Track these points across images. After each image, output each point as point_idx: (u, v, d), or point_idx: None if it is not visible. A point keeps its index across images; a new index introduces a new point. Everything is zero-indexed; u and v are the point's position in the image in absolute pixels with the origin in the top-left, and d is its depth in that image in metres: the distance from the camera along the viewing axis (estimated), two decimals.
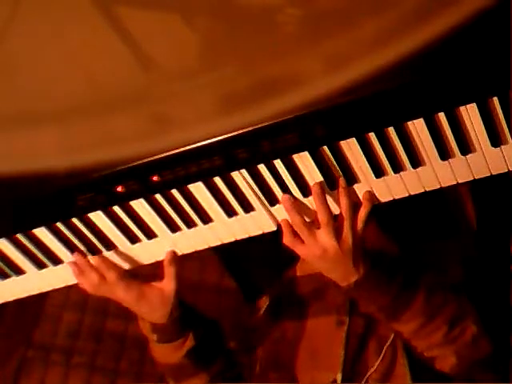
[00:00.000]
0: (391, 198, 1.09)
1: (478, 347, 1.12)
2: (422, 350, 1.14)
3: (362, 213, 1.08)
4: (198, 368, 1.26)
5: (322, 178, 1.07)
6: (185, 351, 1.23)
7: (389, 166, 1.05)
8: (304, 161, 1.06)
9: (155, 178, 1.07)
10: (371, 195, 1.08)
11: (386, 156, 1.04)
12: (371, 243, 1.20)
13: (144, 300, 1.19)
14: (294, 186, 1.08)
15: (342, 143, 1.04)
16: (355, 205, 1.08)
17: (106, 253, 1.19)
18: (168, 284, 1.19)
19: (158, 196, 1.11)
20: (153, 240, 1.17)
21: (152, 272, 1.22)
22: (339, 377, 1.19)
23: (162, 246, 1.18)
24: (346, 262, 1.07)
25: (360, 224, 1.08)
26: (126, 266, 1.21)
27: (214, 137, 1.02)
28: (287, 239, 1.09)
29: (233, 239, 1.16)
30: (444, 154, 1.03)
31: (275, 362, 1.28)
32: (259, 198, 1.10)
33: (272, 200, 1.10)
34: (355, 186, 1.08)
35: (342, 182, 1.07)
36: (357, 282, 1.08)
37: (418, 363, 1.16)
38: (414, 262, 1.17)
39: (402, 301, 1.10)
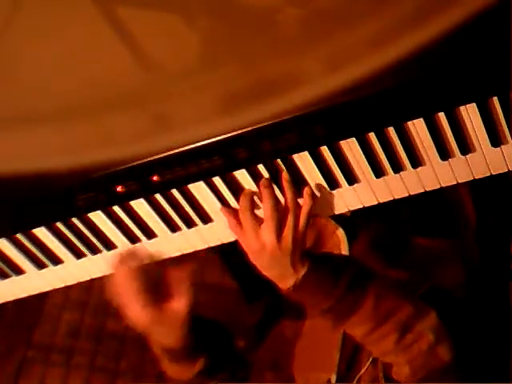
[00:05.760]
0: (391, 198, 1.09)
1: (435, 356, 1.06)
2: (376, 355, 1.11)
3: (305, 209, 1.06)
4: (209, 380, 1.23)
5: (322, 178, 1.07)
6: (195, 372, 1.20)
7: (389, 166, 1.05)
8: (304, 161, 1.06)
9: (155, 178, 1.07)
10: (312, 191, 1.06)
11: (386, 156, 1.04)
12: (359, 258, 1.19)
13: (158, 322, 1.13)
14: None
15: (342, 143, 1.04)
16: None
17: (105, 253, 1.19)
18: (180, 303, 1.13)
19: (158, 196, 1.11)
20: (153, 240, 1.17)
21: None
22: (333, 377, 1.18)
23: (162, 245, 1.18)
24: (283, 261, 1.04)
25: (302, 221, 1.05)
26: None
27: (214, 137, 1.02)
28: (232, 223, 1.07)
29: (233, 239, 1.16)
30: (444, 154, 1.03)
31: (273, 362, 1.28)
32: None
33: None
34: (355, 186, 1.08)
35: (285, 175, 1.05)
36: (295, 284, 1.05)
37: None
38: (364, 267, 1.11)
39: (347, 305, 1.06)
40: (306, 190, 1.07)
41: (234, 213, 1.08)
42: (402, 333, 1.06)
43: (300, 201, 1.08)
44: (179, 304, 1.13)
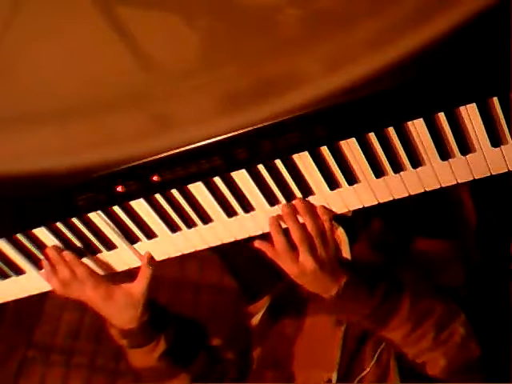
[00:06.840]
0: (391, 198, 1.09)
1: (467, 349, 1.12)
2: (412, 356, 1.14)
3: (326, 226, 1.10)
4: (176, 369, 1.24)
5: (322, 178, 1.07)
6: (158, 354, 1.21)
7: (389, 166, 1.05)
8: (304, 161, 1.06)
9: (155, 178, 1.07)
10: (326, 208, 1.10)
11: (386, 156, 1.04)
12: (361, 260, 1.22)
13: (112, 300, 1.18)
14: (294, 186, 1.09)
15: (342, 143, 1.04)
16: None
17: (106, 253, 1.19)
18: (138, 285, 1.18)
19: (158, 196, 1.11)
20: (153, 240, 1.17)
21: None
22: (334, 376, 1.19)
23: (162, 245, 1.18)
24: (324, 276, 1.08)
25: (330, 237, 1.10)
26: (125, 266, 1.21)
27: (214, 137, 1.02)
28: (271, 253, 1.11)
29: (233, 239, 1.16)
30: (444, 153, 1.03)
31: (273, 360, 1.28)
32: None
33: (272, 200, 1.10)
34: (355, 186, 1.08)
35: (298, 203, 1.09)
36: (338, 293, 1.09)
37: (407, 369, 1.15)
38: (398, 269, 1.17)
39: (386, 309, 1.10)
40: (319, 208, 1.10)
41: (270, 246, 1.11)
42: (438, 330, 1.10)
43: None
44: (136, 286, 1.18)
